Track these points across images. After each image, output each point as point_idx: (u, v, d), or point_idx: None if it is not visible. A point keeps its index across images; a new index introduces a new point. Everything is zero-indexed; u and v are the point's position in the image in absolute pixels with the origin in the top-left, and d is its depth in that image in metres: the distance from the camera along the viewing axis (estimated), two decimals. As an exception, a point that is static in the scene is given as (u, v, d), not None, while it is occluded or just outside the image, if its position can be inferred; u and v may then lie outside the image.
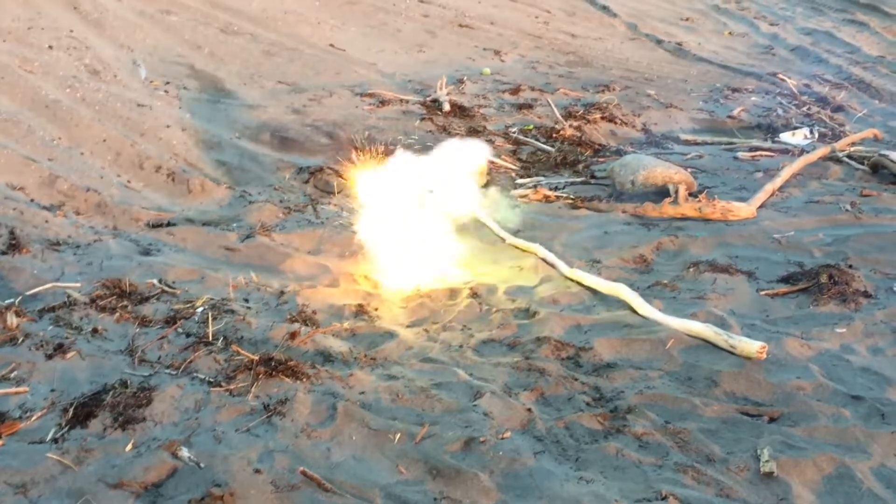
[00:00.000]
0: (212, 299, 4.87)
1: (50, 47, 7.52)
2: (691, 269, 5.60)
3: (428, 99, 9.14)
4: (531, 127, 8.78)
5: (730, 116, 9.87)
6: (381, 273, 5.57)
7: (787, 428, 3.93)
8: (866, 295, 5.22)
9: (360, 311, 5.06)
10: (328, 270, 5.59)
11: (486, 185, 6.98)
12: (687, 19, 14.59)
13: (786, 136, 9.09)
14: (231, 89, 8.40)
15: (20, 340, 4.20)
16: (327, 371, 4.18)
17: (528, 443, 3.78)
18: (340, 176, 7.19)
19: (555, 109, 9.08)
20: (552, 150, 8.20)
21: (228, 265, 5.53)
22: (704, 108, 10.13)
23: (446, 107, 8.89)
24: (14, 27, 7.53)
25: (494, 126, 8.74)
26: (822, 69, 12.02)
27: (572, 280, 5.48)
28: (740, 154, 8.42)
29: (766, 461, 3.65)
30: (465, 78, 10.09)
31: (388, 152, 6.30)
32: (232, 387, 3.97)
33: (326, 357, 4.38)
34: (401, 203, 5.76)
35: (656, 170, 6.94)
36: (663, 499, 3.43)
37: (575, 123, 8.85)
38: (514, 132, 8.67)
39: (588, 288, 5.38)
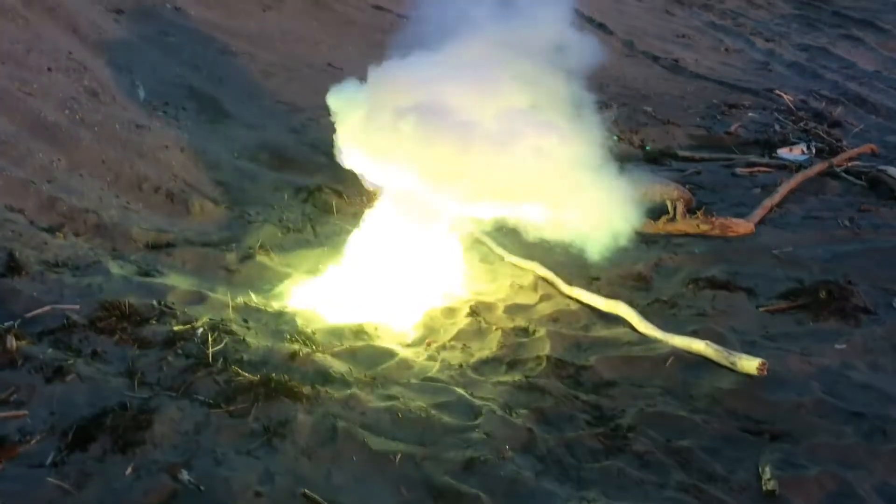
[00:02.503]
0: (211, 320, 4.85)
1: (49, 69, 7.52)
2: (690, 286, 5.61)
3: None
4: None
5: (727, 132, 9.90)
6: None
7: (789, 446, 3.93)
8: (866, 311, 5.23)
9: (359, 331, 5.05)
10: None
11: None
12: (683, 36, 14.66)
13: (783, 152, 9.12)
14: (230, 109, 8.41)
15: (19, 363, 4.17)
16: (327, 392, 4.16)
17: (529, 463, 3.77)
18: (339, 195, 7.20)
19: (552, 127, 9.08)
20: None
21: (228, 286, 5.53)
22: (702, 125, 10.17)
23: (444, 125, 8.89)
24: (13, 50, 7.53)
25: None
26: (818, 85, 12.08)
27: (571, 298, 5.49)
28: (738, 170, 8.45)
29: (769, 479, 3.65)
30: (463, 96, 10.09)
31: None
32: (232, 408, 3.95)
33: (326, 377, 4.37)
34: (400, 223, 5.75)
35: (654, 186, 6.96)
36: (665, 518, 3.43)
37: (573, 141, 8.85)
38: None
39: (587, 306, 5.38)
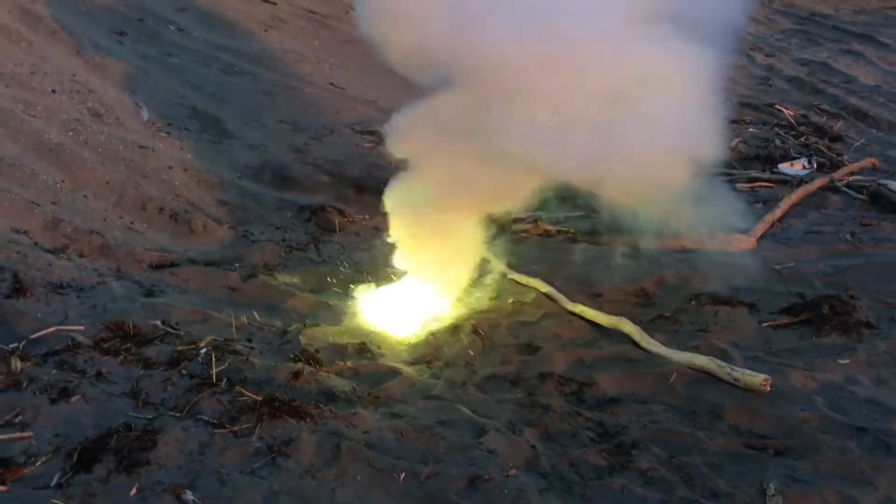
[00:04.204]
0: (215, 340, 4.87)
1: (53, 91, 7.58)
2: (693, 302, 5.62)
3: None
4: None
5: (728, 148, 9.89)
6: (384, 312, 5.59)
7: (793, 461, 3.93)
8: (868, 325, 5.23)
9: (362, 349, 5.06)
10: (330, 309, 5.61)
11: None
12: (683, 52, 14.70)
13: (784, 167, 9.13)
14: (232, 129, 8.46)
15: (24, 385, 4.19)
16: (331, 410, 4.17)
17: (533, 480, 3.77)
18: (342, 214, 7.23)
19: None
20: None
21: (231, 305, 5.54)
22: (703, 140, 10.15)
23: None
24: (17, 72, 7.59)
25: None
26: (818, 99, 12.09)
27: (574, 314, 5.50)
28: (739, 185, 8.46)
29: (773, 495, 3.65)
30: (465, 114, 10.12)
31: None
32: (236, 428, 3.96)
33: (330, 396, 4.38)
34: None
35: (657, 203, 6.95)
36: (670, 535, 3.42)
37: (574, 157, 8.87)
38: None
39: (590, 322, 5.39)
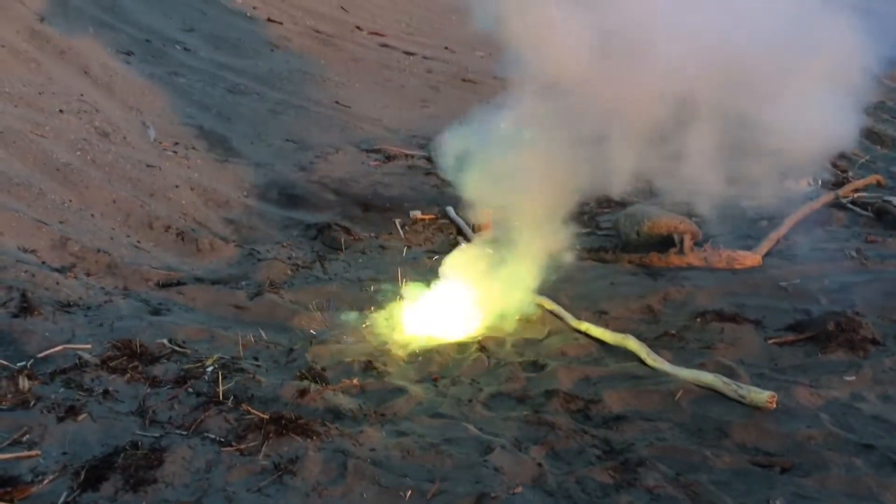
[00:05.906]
0: (222, 358, 4.89)
1: (61, 111, 7.64)
2: (698, 319, 5.62)
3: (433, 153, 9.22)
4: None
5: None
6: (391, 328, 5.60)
7: (799, 478, 3.92)
8: (874, 342, 5.22)
9: (369, 367, 5.06)
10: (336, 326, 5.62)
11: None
12: (687, 69, 14.73)
13: (789, 184, 9.12)
14: (238, 148, 8.51)
15: (32, 403, 4.21)
16: (337, 428, 4.18)
17: (539, 498, 3.76)
18: (348, 232, 7.26)
19: (559, 161, 9.12)
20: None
21: (238, 323, 5.56)
22: (707, 158, 10.16)
23: (451, 161, 8.95)
24: (25, 92, 7.66)
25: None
26: (822, 116, 12.08)
27: (580, 332, 5.50)
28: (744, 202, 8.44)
29: (779, 513, 3.64)
30: (470, 132, 10.16)
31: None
32: (242, 446, 3.97)
33: (336, 414, 4.39)
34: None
35: (661, 219, 6.97)
36: (676, 553, 3.42)
37: (579, 175, 8.88)
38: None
39: (596, 339, 5.40)
